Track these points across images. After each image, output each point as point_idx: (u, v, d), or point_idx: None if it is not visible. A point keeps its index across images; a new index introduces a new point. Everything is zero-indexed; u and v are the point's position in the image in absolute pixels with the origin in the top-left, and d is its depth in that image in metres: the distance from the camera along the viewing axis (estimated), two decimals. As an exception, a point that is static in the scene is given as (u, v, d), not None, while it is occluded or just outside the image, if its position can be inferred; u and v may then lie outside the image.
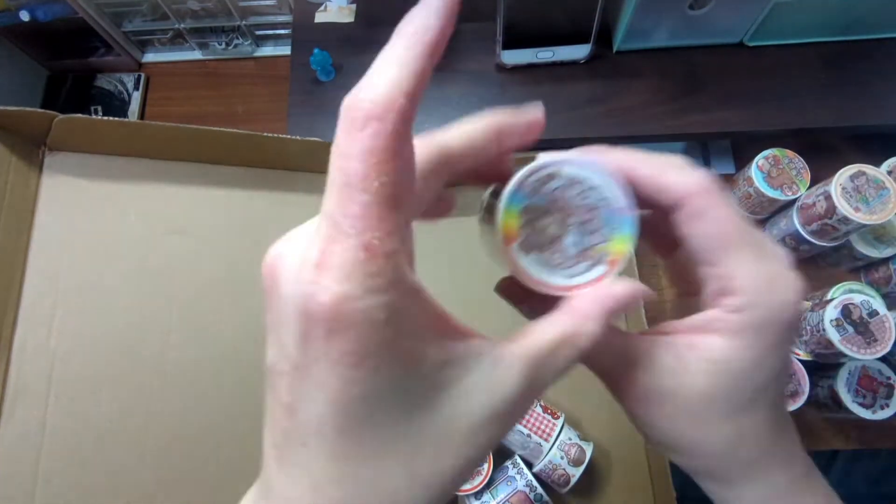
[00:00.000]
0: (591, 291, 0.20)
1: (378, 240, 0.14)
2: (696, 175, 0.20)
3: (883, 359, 0.51)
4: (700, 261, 0.21)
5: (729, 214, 0.19)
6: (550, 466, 0.54)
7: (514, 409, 0.17)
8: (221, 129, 0.51)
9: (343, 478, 0.16)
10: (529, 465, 0.56)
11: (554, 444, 0.55)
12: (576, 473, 0.54)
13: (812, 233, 0.58)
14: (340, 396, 0.15)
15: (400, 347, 0.15)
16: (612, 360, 0.21)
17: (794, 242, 0.61)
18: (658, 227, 0.22)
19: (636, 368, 0.21)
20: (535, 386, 0.17)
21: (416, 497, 0.16)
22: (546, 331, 0.18)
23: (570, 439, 0.55)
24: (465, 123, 0.20)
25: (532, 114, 0.21)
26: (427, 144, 0.18)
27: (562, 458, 0.54)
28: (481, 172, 0.22)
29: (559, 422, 0.56)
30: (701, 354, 0.20)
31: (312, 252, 0.15)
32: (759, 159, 0.61)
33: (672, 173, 0.20)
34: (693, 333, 0.21)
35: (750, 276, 0.20)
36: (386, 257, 0.14)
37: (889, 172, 0.59)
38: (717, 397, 0.20)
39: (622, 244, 0.21)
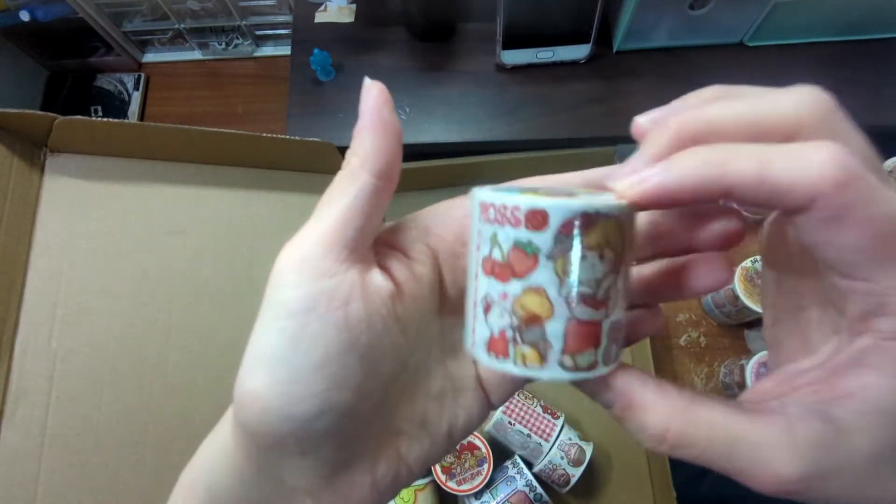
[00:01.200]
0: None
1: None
2: (825, 160, 0.14)
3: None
4: (838, 273, 0.16)
5: (880, 213, 0.14)
6: (550, 466, 0.54)
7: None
8: (222, 129, 0.52)
9: None
10: (529, 465, 0.56)
11: (554, 444, 0.55)
12: (576, 473, 0.54)
13: (812, 233, 0.58)
14: None
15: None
16: (723, 450, 0.16)
17: (793, 242, 0.61)
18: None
19: (767, 455, 0.16)
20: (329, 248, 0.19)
21: None
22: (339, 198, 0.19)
23: (570, 439, 0.55)
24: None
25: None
26: None
27: (562, 458, 0.54)
28: None
29: (559, 422, 0.56)
30: (859, 406, 0.16)
31: None
32: (759, 159, 0.61)
33: (785, 165, 0.14)
34: (838, 377, 0.16)
35: None
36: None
37: (889, 172, 0.59)
38: (890, 454, 0.16)
39: None
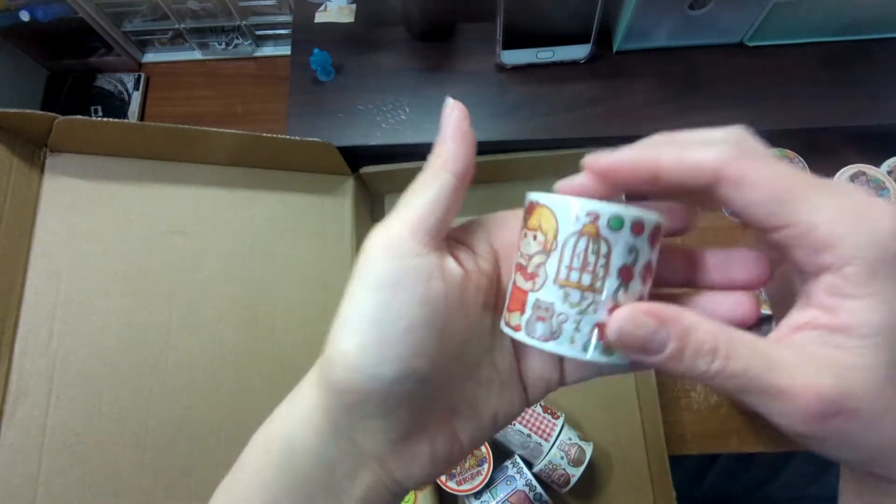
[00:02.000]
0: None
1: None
2: (720, 144, 0.18)
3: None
4: (770, 230, 0.18)
5: (775, 167, 0.17)
6: (550, 466, 0.54)
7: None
8: (221, 129, 0.52)
9: None
10: (529, 465, 0.56)
11: (554, 444, 0.55)
12: (576, 473, 0.54)
13: (812, 233, 0.58)
14: None
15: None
16: (763, 365, 0.18)
17: (793, 242, 0.61)
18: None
19: (800, 373, 0.17)
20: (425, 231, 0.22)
21: None
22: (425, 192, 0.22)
23: (570, 439, 0.55)
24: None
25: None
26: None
27: (562, 458, 0.54)
28: None
29: (559, 422, 0.56)
30: (858, 331, 0.17)
31: None
32: (759, 159, 0.61)
33: (692, 153, 0.18)
34: (827, 315, 0.18)
35: (835, 213, 0.17)
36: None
37: (889, 172, 0.59)
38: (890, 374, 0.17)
39: None
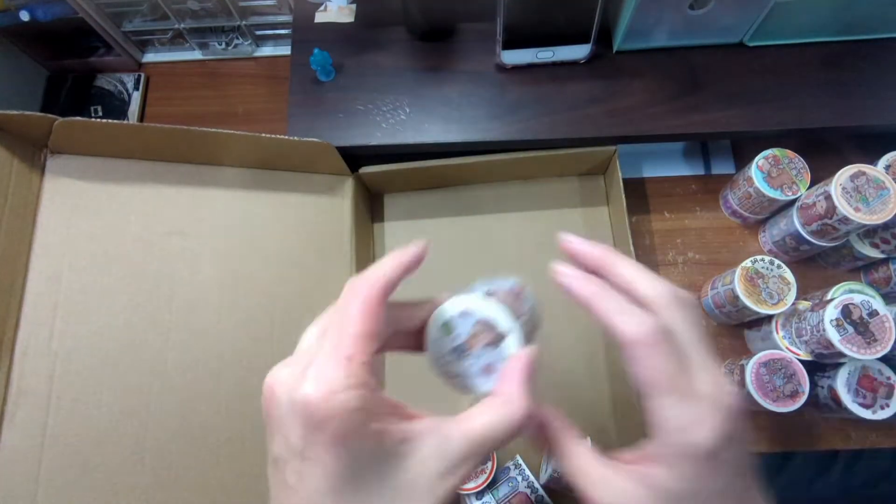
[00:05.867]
0: (507, 372, 0.26)
1: (356, 354, 0.22)
2: (641, 324, 0.24)
3: (883, 359, 0.51)
4: (642, 394, 0.25)
5: (661, 365, 0.24)
6: (556, 475, 0.54)
7: (461, 470, 0.23)
8: (221, 129, 0.52)
9: None
10: (536, 478, 0.56)
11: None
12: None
13: (812, 233, 0.58)
14: (333, 468, 0.21)
15: (370, 428, 0.22)
16: (591, 484, 0.26)
17: (794, 242, 0.61)
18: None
19: (604, 492, 0.25)
20: (475, 454, 0.23)
21: None
22: (483, 414, 0.24)
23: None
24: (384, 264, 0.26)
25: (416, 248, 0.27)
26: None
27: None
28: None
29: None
30: (649, 482, 0.24)
31: (305, 368, 0.22)
32: (759, 159, 0.61)
33: (619, 318, 0.24)
34: (643, 462, 0.25)
35: (672, 419, 0.24)
36: (359, 365, 0.22)
37: (887, 167, 0.59)
38: None
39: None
